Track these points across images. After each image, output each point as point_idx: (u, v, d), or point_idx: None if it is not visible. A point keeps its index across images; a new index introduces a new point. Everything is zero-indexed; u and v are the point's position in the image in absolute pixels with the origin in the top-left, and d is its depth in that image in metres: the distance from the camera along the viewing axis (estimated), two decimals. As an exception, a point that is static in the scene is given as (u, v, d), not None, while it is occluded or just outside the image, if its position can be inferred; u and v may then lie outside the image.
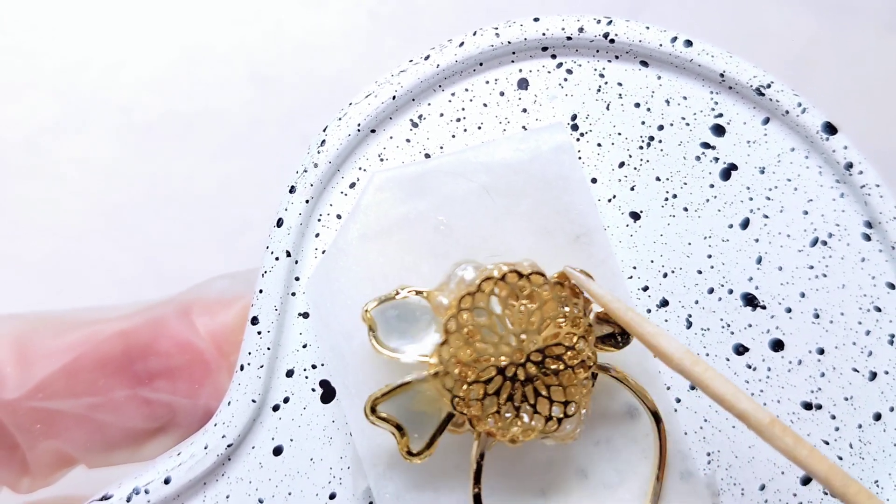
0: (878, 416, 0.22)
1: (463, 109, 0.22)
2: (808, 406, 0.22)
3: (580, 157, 0.22)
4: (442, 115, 0.22)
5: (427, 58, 0.22)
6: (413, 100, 0.22)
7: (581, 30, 0.22)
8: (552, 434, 0.19)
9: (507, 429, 0.19)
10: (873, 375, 0.22)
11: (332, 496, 0.21)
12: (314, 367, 0.21)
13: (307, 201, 0.21)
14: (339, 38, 0.39)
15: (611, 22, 0.22)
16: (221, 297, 0.23)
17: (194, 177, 0.38)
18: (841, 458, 0.21)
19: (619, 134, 0.22)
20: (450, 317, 0.19)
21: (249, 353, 0.21)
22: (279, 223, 0.21)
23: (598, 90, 0.22)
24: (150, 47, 0.38)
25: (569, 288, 0.20)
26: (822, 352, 0.22)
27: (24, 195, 0.37)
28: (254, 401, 0.21)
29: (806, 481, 0.21)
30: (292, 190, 0.21)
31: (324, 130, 0.22)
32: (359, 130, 0.22)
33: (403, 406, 0.19)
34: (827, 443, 0.21)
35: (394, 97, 0.22)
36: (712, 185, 0.22)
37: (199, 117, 0.38)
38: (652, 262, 0.22)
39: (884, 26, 0.40)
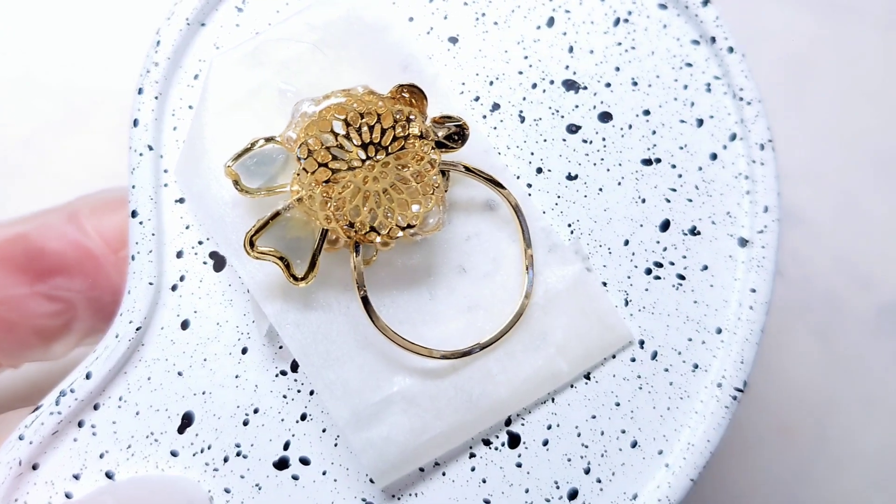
0: (714, 156, 0.24)
1: (280, -12, 0.24)
2: (647, 162, 0.24)
3: (393, 1, 0.24)
4: (262, -4, 0.24)
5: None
6: (232, -12, 0.24)
7: None
8: (419, 230, 0.21)
9: (377, 231, 0.21)
10: (700, 122, 0.24)
11: (245, 350, 0.23)
12: (200, 243, 0.23)
13: (156, 97, 0.23)
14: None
15: None
16: (110, 200, 0.25)
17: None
18: (691, 200, 0.24)
19: (423, -25, 0.24)
20: (300, 145, 0.21)
21: (137, 243, 0.23)
22: (135, 123, 0.23)
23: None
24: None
25: (403, 99, 0.21)
26: (647, 113, 0.24)
27: (24, 195, 0.37)
28: (151, 283, 0.22)
29: (665, 227, 0.23)
30: (140, 91, 0.23)
31: (157, 32, 0.24)
32: (188, 24, 0.24)
33: (279, 236, 0.21)
34: (674, 190, 0.24)
35: (213, -12, 0.24)
36: (514, -3, 0.24)
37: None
38: (477, 74, 0.24)
39: (884, 26, 0.41)
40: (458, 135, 0.22)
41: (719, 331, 0.23)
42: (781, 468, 0.36)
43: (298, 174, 0.21)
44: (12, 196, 0.37)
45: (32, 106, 0.38)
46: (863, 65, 0.41)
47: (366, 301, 0.21)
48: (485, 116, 0.24)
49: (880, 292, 0.37)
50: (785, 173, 0.39)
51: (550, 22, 0.24)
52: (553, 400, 0.22)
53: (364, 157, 0.20)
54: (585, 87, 0.24)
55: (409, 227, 0.21)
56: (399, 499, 0.22)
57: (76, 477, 0.22)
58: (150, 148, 0.23)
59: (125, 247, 0.23)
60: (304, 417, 0.22)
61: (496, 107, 0.24)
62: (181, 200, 0.23)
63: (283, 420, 0.22)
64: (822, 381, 0.37)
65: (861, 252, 0.38)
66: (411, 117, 0.21)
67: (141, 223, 0.23)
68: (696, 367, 0.23)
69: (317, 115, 0.21)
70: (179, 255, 0.23)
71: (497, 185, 0.22)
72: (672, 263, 0.23)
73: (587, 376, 0.23)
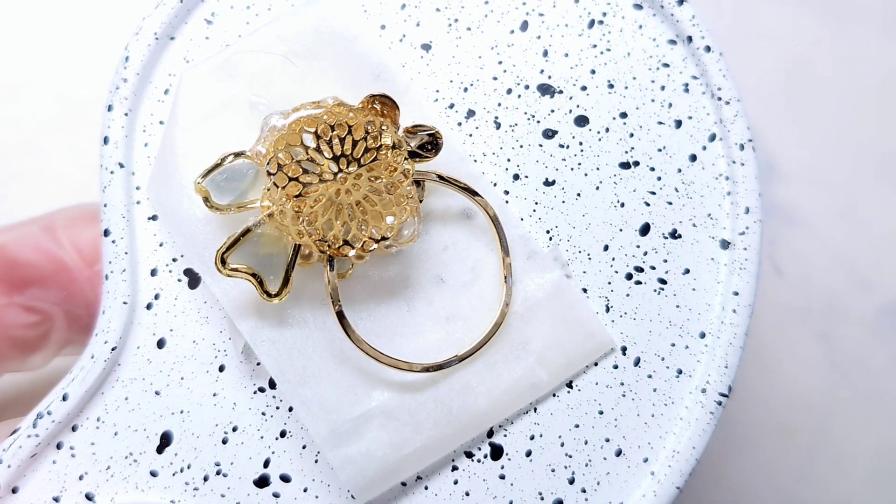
0: (693, 157, 0.23)
1: (249, -1, 0.24)
2: (626, 165, 0.23)
3: (364, 10, 0.24)
4: (232, 7, 0.24)
5: (202, -38, 0.24)
6: (202, 0, 0.24)
7: None
8: (394, 242, 0.21)
9: (351, 244, 0.20)
10: (678, 123, 0.24)
11: (222, 368, 0.22)
12: (174, 260, 0.23)
13: (126, 114, 0.23)
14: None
15: None
16: (86, 213, 0.25)
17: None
18: (671, 203, 0.23)
19: (394, -18, 0.24)
20: (269, 160, 0.20)
21: (110, 262, 0.22)
22: (105, 141, 0.23)
23: (362, -52, 0.24)
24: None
25: (374, 110, 0.21)
26: (624, 115, 0.24)
27: (24, 195, 0.37)
28: (125, 303, 0.22)
29: (644, 231, 0.23)
30: (110, 108, 0.23)
31: (125, 48, 0.23)
32: (157, 39, 0.23)
33: (252, 253, 0.21)
34: (654, 193, 0.23)
35: (181, 1, 0.23)
36: (486, 2, 0.24)
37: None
38: (451, 81, 0.24)
39: (884, 26, 0.41)
40: (432, 144, 0.21)
41: (703, 335, 0.22)
42: (781, 468, 0.36)
43: (269, 189, 0.20)
44: (12, 196, 0.37)
45: (32, 106, 0.38)
46: (863, 65, 0.41)
47: (341, 316, 0.21)
48: (460, 124, 0.23)
49: (880, 293, 0.37)
50: (785, 173, 0.39)
51: (524, 26, 0.24)
52: (535, 410, 0.22)
53: (336, 169, 0.20)
54: (561, 91, 0.23)
55: (384, 239, 0.21)
56: (381, 514, 0.22)
57: (56, 500, 0.21)
58: (122, 165, 0.23)
59: (100, 261, 0.23)
60: (283, 434, 0.22)
61: (471, 113, 0.23)
62: (154, 217, 0.23)
63: (262, 437, 0.22)
64: (822, 381, 0.37)
65: (861, 252, 0.38)
66: (383, 128, 0.20)
67: (114, 242, 0.22)
68: (679, 372, 0.22)
69: (286, 129, 0.21)
70: (153, 273, 0.23)
71: (472, 193, 0.22)
72: (653, 268, 0.23)
73: (569, 385, 0.22)
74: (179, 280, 0.23)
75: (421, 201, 0.22)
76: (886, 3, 0.41)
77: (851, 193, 0.38)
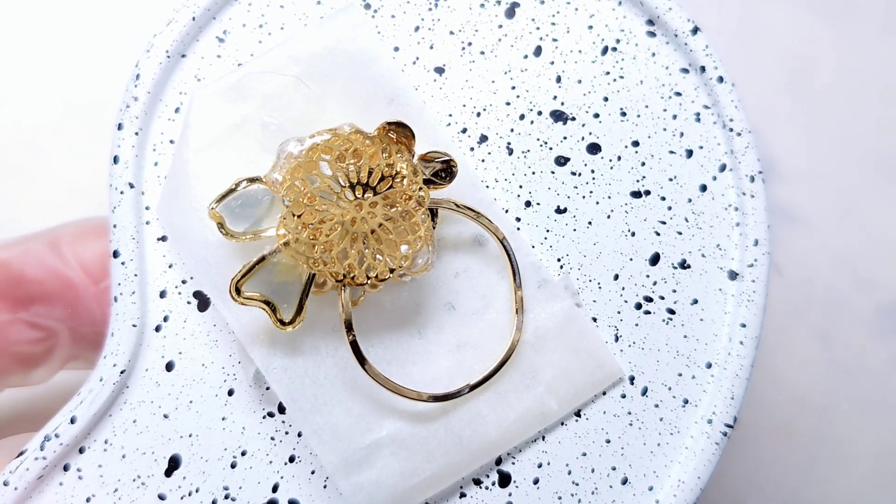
0: (703, 188, 0.24)
1: (263, 15, 0.24)
2: (637, 194, 0.23)
3: (378, 31, 0.24)
4: (244, 25, 0.24)
5: (214, -22, 0.23)
6: (214, 18, 0.24)
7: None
8: (408, 271, 0.21)
9: (364, 273, 0.20)
10: (689, 153, 0.24)
11: (231, 392, 0.22)
12: (184, 282, 0.23)
13: (136, 133, 0.23)
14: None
15: None
16: (91, 228, 0.24)
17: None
18: (681, 233, 0.23)
19: (408, 2, 0.24)
20: (286, 188, 0.20)
21: (119, 284, 0.22)
22: (115, 160, 0.23)
23: (377, -32, 0.24)
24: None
25: (390, 138, 0.21)
26: (637, 144, 0.24)
27: (24, 195, 0.37)
28: (134, 325, 0.22)
29: (654, 261, 0.23)
30: (120, 127, 0.23)
31: (136, 65, 0.23)
32: (169, 57, 0.23)
33: (266, 281, 0.21)
34: (664, 223, 0.23)
35: (194, 18, 0.23)
36: (501, 26, 0.24)
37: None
38: (464, 105, 0.24)
39: (883, 27, 0.41)
40: (446, 171, 0.21)
41: (709, 365, 0.23)
42: (781, 468, 0.36)
43: (285, 218, 0.20)
44: (13, 196, 0.37)
45: (32, 106, 0.37)
46: (863, 65, 0.41)
47: (355, 346, 0.21)
48: (472, 149, 0.23)
49: (880, 292, 0.38)
50: (785, 173, 0.39)
51: (538, 51, 0.24)
52: (543, 438, 0.22)
53: (352, 197, 0.20)
54: (574, 118, 0.23)
55: (398, 268, 0.21)
56: (389, 541, 0.22)
57: (62, 522, 0.21)
58: (132, 186, 0.22)
59: (105, 277, 0.23)
60: (292, 459, 0.22)
61: (484, 139, 0.23)
62: (163, 238, 0.23)
63: (271, 462, 0.22)
64: (822, 381, 0.37)
65: (861, 252, 0.38)
66: (398, 156, 0.20)
67: (123, 263, 0.22)
68: (686, 402, 0.23)
69: (303, 156, 0.20)
70: (163, 294, 0.23)
71: (487, 223, 0.22)
72: (662, 298, 0.23)
73: (577, 413, 0.22)
74: (189, 302, 0.23)
75: (434, 228, 0.22)
76: (888, 2, 0.41)
77: (851, 193, 0.39)
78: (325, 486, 0.22)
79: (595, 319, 0.23)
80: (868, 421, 0.37)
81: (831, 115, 0.40)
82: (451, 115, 0.23)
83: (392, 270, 0.21)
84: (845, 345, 0.37)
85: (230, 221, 0.21)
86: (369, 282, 0.20)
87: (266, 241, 0.21)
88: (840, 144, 0.39)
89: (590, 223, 0.23)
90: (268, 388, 0.22)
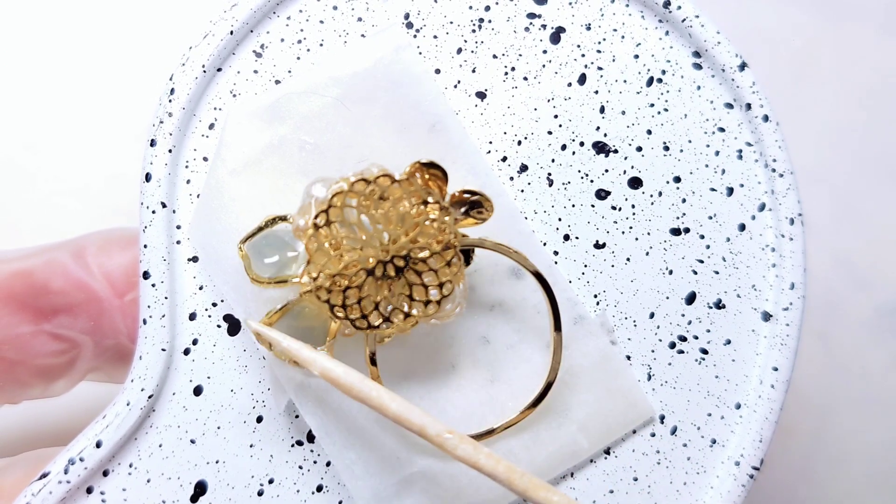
0: (742, 227, 0.23)
1: (301, 31, 0.23)
2: (676, 232, 0.23)
3: (420, 52, 0.23)
4: (283, 40, 0.23)
5: (253, -11, 0.23)
6: (251, 31, 0.23)
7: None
8: (436, 316, 0.20)
9: (391, 322, 0.20)
10: (730, 191, 0.23)
11: (259, 419, 0.22)
12: (214, 304, 0.22)
13: (170, 151, 0.22)
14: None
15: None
16: (116, 239, 0.24)
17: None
18: (717, 273, 0.23)
19: (451, 23, 0.23)
20: (309, 237, 0.19)
21: (149, 307, 0.22)
22: (147, 178, 0.22)
23: (421, -14, 0.23)
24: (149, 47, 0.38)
25: (420, 180, 0.20)
26: (678, 180, 0.23)
27: (24, 195, 0.36)
28: (164, 349, 0.22)
29: (690, 300, 0.23)
30: (153, 143, 0.22)
31: (170, 79, 0.22)
32: (205, 72, 0.22)
33: (292, 326, 0.20)
34: (701, 261, 0.23)
35: (231, 32, 0.22)
36: (545, 51, 0.23)
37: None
38: (505, 133, 0.23)
39: (883, 27, 0.41)
40: (481, 210, 0.21)
41: (738, 406, 0.23)
42: (781, 468, 0.37)
43: (308, 265, 0.20)
44: (13, 196, 0.36)
45: (32, 106, 0.37)
46: (863, 65, 0.41)
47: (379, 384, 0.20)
48: (512, 178, 0.23)
49: (880, 292, 0.38)
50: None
51: (582, 79, 0.23)
52: (572, 475, 0.22)
53: (377, 244, 0.19)
54: (616, 151, 0.23)
55: (426, 316, 0.20)
56: (416, 574, 0.22)
57: (85, 543, 0.21)
58: (164, 205, 0.22)
59: (130, 290, 0.22)
60: (320, 489, 0.22)
61: (524, 168, 0.23)
62: (194, 259, 0.22)
63: (298, 491, 0.22)
64: (822, 381, 0.38)
65: (861, 252, 0.38)
66: (428, 200, 0.20)
67: (153, 285, 0.22)
68: (713, 442, 0.23)
69: (328, 202, 0.20)
70: (192, 317, 0.22)
71: (525, 262, 0.21)
72: (696, 337, 0.23)
73: (607, 451, 0.22)
74: (219, 326, 0.22)
75: (469, 265, 0.21)
76: (888, 2, 0.41)
77: (851, 193, 0.39)
78: (352, 517, 0.22)
79: (629, 357, 0.23)
80: (867, 420, 0.37)
81: (831, 116, 0.40)
82: (490, 143, 0.23)
83: (417, 321, 0.20)
84: (844, 345, 0.38)
85: (255, 260, 0.20)
86: (396, 329, 0.20)
87: (292, 288, 0.20)
88: (840, 145, 0.39)
89: (628, 259, 0.23)
90: (297, 416, 0.22)
